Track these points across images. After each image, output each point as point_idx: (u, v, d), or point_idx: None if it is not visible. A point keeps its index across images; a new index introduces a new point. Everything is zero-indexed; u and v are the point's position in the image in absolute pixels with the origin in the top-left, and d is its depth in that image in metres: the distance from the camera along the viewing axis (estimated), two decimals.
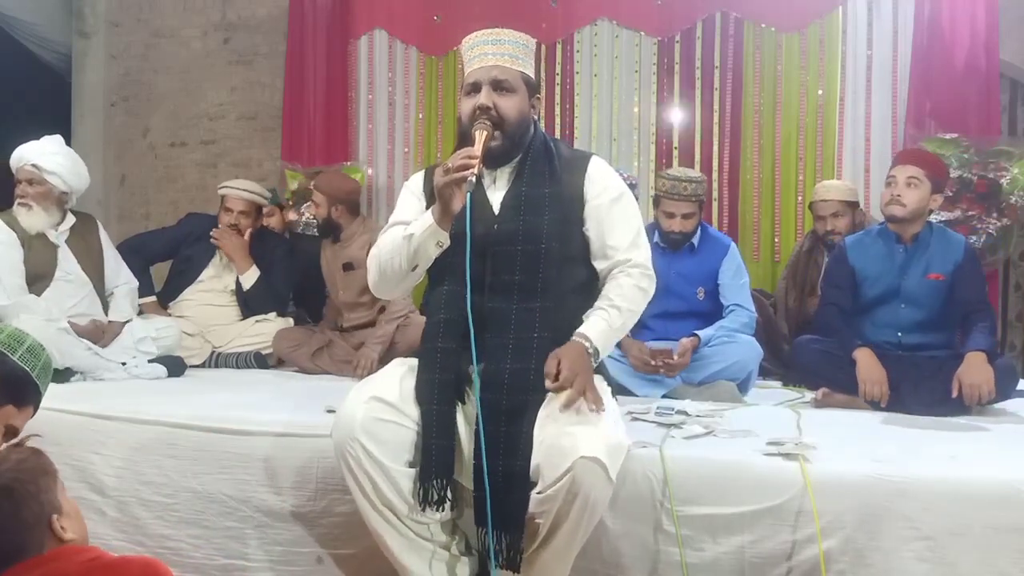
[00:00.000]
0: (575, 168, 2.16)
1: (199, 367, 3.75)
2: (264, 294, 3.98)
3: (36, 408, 2.06)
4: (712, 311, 3.28)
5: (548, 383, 1.91)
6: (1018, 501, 1.89)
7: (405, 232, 2.07)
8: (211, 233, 3.95)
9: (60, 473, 1.64)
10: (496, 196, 2.12)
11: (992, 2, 4.20)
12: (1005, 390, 2.76)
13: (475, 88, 2.10)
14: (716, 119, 4.64)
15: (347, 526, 2.25)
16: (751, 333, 3.22)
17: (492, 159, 2.09)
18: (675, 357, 3.01)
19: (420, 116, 5.10)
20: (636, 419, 2.47)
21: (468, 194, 1.91)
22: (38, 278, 3.30)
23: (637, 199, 2.39)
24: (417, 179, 2.27)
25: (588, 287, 2.13)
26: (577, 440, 1.79)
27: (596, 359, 2.01)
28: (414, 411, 1.99)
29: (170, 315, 3.90)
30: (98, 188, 5.44)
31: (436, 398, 1.98)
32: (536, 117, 2.22)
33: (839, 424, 2.57)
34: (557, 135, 4.72)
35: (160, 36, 5.75)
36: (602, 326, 2.04)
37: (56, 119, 5.44)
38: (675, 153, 4.69)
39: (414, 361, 2.10)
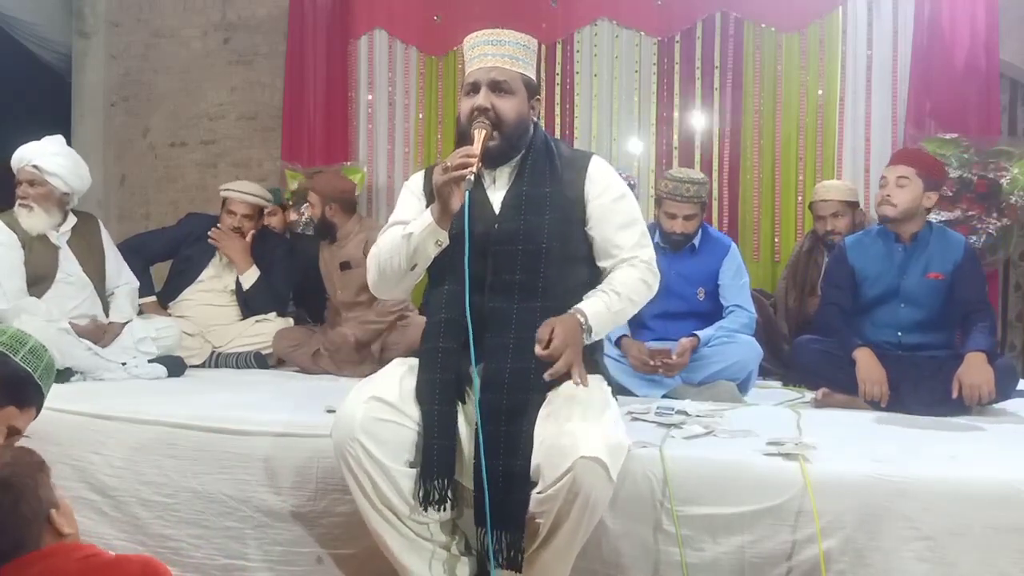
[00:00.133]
0: (576, 167, 2.16)
1: (199, 367, 3.75)
2: (264, 294, 3.98)
3: (39, 410, 2.06)
4: (712, 311, 3.28)
5: (538, 349, 1.91)
6: (1018, 501, 1.89)
7: (404, 231, 2.07)
8: (209, 233, 3.94)
9: (54, 472, 1.64)
10: (497, 196, 2.12)
11: (992, 2, 4.21)
12: (1005, 390, 2.76)
13: (474, 88, 2.10)
14: (716, 119, 4.64)
15: (347, 526, 2.25)
16: (750, 334, 3.22)
17: (490, 159, 2.09)
18: (674, 357, 3.01)
19: (420, 116, 5.10)
20: (636, 419, 2.46)
21: (467, 193, 1.91)
22: (39, 280, 3.29)
23: (637, 199, 2.39)
24: (417, 179, 2.27)
25: (589, 287, 2.13)
26: (577, 440, 1.79)
27: (588, 336, 2.01)
28: (414, 411, 1.99)
29: (170, 315, 3.90)
30: (98, 188, 5.43)
31: (437, 398, 1.98)
32: (536, 118, 2.22)
33: (839, 424, 2.57)
34: (557, 135, 4.72)
35: (160, 36, 5.75)
36: (600, 307, 2.04)
37: (56, 119, 5.44)
38: (675, 153, 4.69)
39: (414, 361, 2.10)
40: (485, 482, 1.85)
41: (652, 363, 3.00)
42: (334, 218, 3.78)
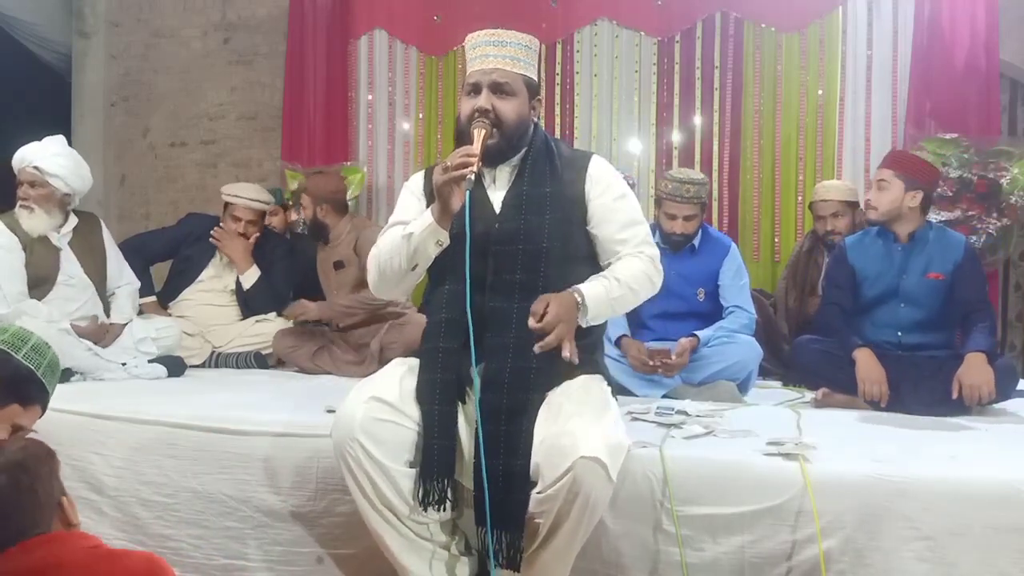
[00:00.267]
0: (576, 167, 2.16)
1: (199, 367, 3.75)
2: (264, 294, 3.98)
3: (44, 407, 2.06)
4: (712, 312, 3.28)
5: (531, 322, 1.90)
6: (1018, 501, 1.89)
7: (404, 232, 2.07)
8: (212, 233, 3.94)
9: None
10: (497, 195, 2.12)
11: (992, 2, 4.21)
12: (1005, 390, 2.76)
13: (476, 89, 2.10)
14: (716, 119, 4.64)
15: (347, 526, 2.25)
16: (750, 334, 3.22)
17: (489, 158, 2.09)
18: (673, 357, 3.01)
19: (420, 116, 5.10)
20: (636, 419, 2.47)
21: (467, 192, 1.91)
22: (40, 282, 3.28)
23: (637, 199, 2.39)
24: (417, 179, 2.27)
25: None
26: (577, 440, 1.79)
27: (584, 317, 2.01)
28: (414, 411, 1.99)
29: (170, 315, 3.89)
30: (98, 188, 5.41)
31: (437, 398, 1.98)
32: (536, 119, 2.22)
33: (839, 424, 2.58)
34: (557, 135, 4.72)
35: (160, 36, 5.74)
36: (599, 291, 2.04)
37: (56, 119, 5.44)
38: (675, 153, 4.69)
39: (414, 361, 2.10)
40: (485, 482, 1.85)
41: (652, 363, 3.00)
42: (326, 219, 3.77)
